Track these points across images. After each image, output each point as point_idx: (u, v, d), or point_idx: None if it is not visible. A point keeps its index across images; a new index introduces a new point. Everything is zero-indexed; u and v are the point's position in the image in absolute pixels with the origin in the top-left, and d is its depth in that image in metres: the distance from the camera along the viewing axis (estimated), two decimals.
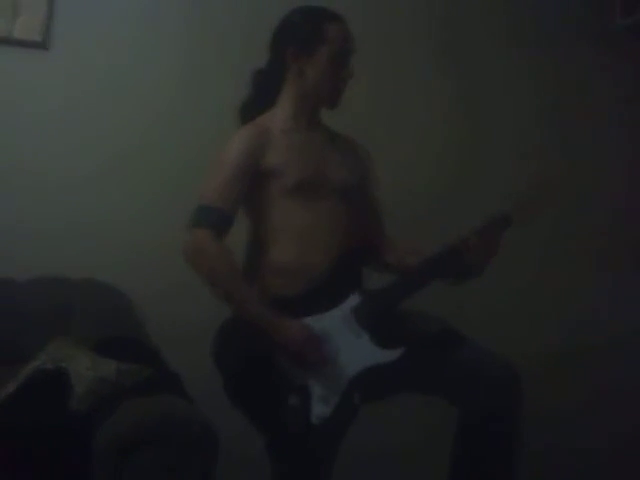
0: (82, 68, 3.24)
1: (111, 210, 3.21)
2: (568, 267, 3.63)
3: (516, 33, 3.64)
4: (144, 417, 2.32)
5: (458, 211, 3.32)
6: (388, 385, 2.22)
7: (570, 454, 3.51)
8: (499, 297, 3.43)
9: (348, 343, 2.16)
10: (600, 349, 3.57)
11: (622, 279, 3.70)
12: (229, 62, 3.31)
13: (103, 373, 2.49)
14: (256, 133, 2.28)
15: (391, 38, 3.51)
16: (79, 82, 3.23)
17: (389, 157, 3.26)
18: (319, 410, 2.09)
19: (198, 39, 3.35)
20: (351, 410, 2.13)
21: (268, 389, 2.13)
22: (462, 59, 3.59)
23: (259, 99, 2.41)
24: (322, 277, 2.22)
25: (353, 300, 2.21)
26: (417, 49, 3.56)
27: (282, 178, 2.26)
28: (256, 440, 2.20)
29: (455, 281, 2.31)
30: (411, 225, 3.14)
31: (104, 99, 3.25)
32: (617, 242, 3.70)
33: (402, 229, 2.59)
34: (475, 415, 2.16)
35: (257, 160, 2.25)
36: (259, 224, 2.32)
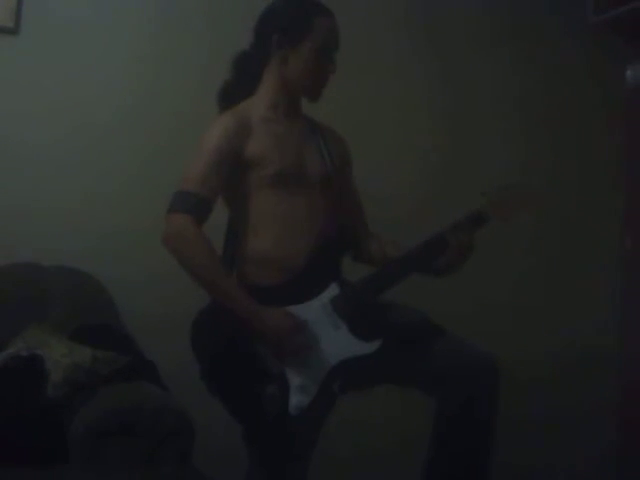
0: (53, 53, 3.21)
1: (86, 197, 3.18)
2: (552, 269, 3.70)
3: (497, 29, 3.68)
4: (120, 405, 2.33)
5: (442, 209, 3.30)
6: (366, 376, 2.23)
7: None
8: (482, 296, 3.48)
9: (326, 334, 2.17)
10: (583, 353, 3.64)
11: (607, 282, 3.78)
12: (204, 44, 3.29)
13: (79, 360, 2.48)
14: (236, 121, 2.27)
15: (373, 34, 3.51)
16: (50, 67, 3.20)
17: (372, 155, 3.28)
18: (296, 400, 2.10)
19: (173, 21, 3.32)
20: (329, 400, 2.15)
21: (245, 378, 2.13)
22: (445, 55, 3.61)
23: (240, 83, 2.39)
24: (301, 267, 2.23)
25: (332, 291, 2.21)
26: (399, 45, 3.57)
27: (261, 168, 2.25)
28: (233, 429, 2.20)
29: (432, 275, 2.33)
30: (394, 223, 3.16)
31: (76, 84, 3.22)
32: (602, 243, 3.77)
33: (385, 228, 2.60)
34: (451, 406, 2.17)
35: (237, 148, 2.25)
36: (238, 213, 2.32)
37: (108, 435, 2.25)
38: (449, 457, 2.19)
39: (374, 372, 2.22)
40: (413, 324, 2.29)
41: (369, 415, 3.14)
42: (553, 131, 3.74)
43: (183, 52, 3.32)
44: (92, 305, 2.89)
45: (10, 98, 3.16)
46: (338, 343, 2.16)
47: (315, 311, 2.19)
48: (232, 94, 2.39)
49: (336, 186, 2.38)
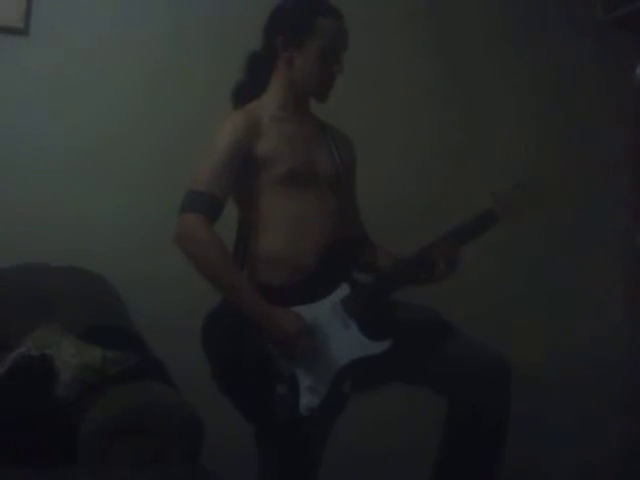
0: (63, 53, 3.21)
1: (95, 197, 3.19)
2: (559, 268, 3.68)
3: (505, 28, 3.67)
4: (130, 404, 2.33)
5: (448, 211, 3.30)
6: (377, 375, 2.23)
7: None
8: (489, 295, 3.46)
9: (337, 334, 2.16)
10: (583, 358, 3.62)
11: (616, 282, 3.76)
12: (216, 44, 3.30)
13: (88, 360, 2.48)
14: (247, 120, 2.27)
15: (379, 33, 3.50)
16: (60, 68, 3.20)
17: (378, 158, 3.28)
18: (307, 400, 2.10)
19: (184, 21, 3.33)
20: (340, 400, 2.14)
21: (256, 378, 2.13)
22: (452, 55, 3.61)
23: (252, 82, 2.39)
24: (311, 267, 2.23)
25: (342, 290, 2.21)
26: (406, 45, 3.56)
27: (272, 167, 2.25)
28: (243, 429, 2.20)
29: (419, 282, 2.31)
30: (398, 224, 3.16)
31: (86, 85, 3.22)
32: (611, 243, 3.76)
33: (389, 229, 2.60)
34: (463, 406, 2.17)
35: (248, 147, 2.24)
36: (248, 213, 2.31)
37: (118, 435, 2.24)
38: (459, 459, 2.19)
39: (384, 372, 2.21)
40: (424, 323, 2.28)
41: (377, 415, 3.12)
42: (561, 130, 3.73)
43: (194, 55, 3.32)
44: (101, 305, 2.88)
45: (19, 99, 3.16)
46: (348, 343, 2.15)
47: (325, 311, 2.18)
48: (245, 93, 2.39)
49: (345, 185, 2.38)
